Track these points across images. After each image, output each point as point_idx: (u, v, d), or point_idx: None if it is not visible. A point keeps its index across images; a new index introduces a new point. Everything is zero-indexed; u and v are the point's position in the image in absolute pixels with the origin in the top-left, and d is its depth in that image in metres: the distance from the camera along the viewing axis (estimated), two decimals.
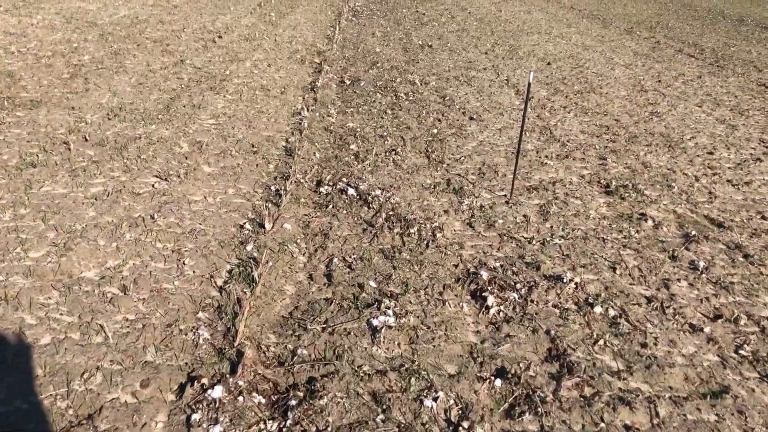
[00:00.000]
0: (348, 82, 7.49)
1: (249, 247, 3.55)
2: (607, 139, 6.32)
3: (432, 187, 4.68)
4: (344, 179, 4.62)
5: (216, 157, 4.77)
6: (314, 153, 5.17)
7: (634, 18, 17.71)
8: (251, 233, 3.72)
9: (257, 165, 4.75)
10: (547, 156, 5.64)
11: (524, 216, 4.35)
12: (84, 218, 3.72)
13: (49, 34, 8.10)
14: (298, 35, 10.03)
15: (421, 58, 9.46)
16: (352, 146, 5.39)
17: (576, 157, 5.65)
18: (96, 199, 3.97)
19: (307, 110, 6.13)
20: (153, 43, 8.21)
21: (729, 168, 5.64)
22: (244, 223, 3.85)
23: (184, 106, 5.84)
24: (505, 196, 4.67)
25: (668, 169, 5.61)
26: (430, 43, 10.62)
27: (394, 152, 5.31)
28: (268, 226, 3.73)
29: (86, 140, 4.86)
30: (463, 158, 5.38)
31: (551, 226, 4.23)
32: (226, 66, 7.48)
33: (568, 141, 6.15)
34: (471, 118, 6.62)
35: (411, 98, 7.09)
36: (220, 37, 9.06)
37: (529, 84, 4.28)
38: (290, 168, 4.71)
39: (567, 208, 4.55)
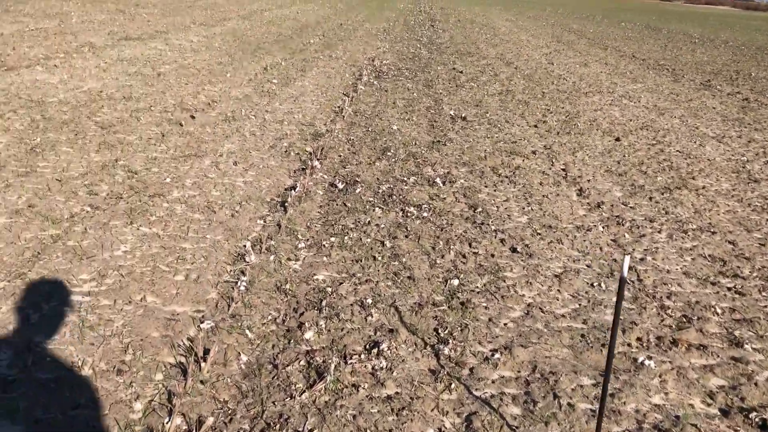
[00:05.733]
0: (340, 186, 5.38)
1: None
2: (729, 290, 3.99)
3: None
4: None
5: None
6: (239, 355, 3.01)
7: (708, 67, 15.27)
8: None
9: (113, 404, 2.60)
10: (641, 341, 3.34)
11: None
12: None
13: None
14: (297, 110, 8.05)
15: (451, 137, 7.31)
16: (307, 334, 3.21)
17: (691, 343, 3.33)
18: None
19: (260, 251, 4.03)
20: (98, 130, 6.33)
21: None
22: None
23: (65, 253, 3.79)
24: None
25: None
26: (463, 114, 8.48)
27: (375, 349, 3.10)
28: None
29: None
30: (496, 354, 3.13)
31: None
32: (177, 166, 5.49)
33: (669, 297, 3.84)
34: (513, 250, 4.39)
35: (425, 213, 4.91)
36: (193, 117, 7.14)
37: (623, 279, 2.06)
38: (169, 418, 2.55)
39: None
